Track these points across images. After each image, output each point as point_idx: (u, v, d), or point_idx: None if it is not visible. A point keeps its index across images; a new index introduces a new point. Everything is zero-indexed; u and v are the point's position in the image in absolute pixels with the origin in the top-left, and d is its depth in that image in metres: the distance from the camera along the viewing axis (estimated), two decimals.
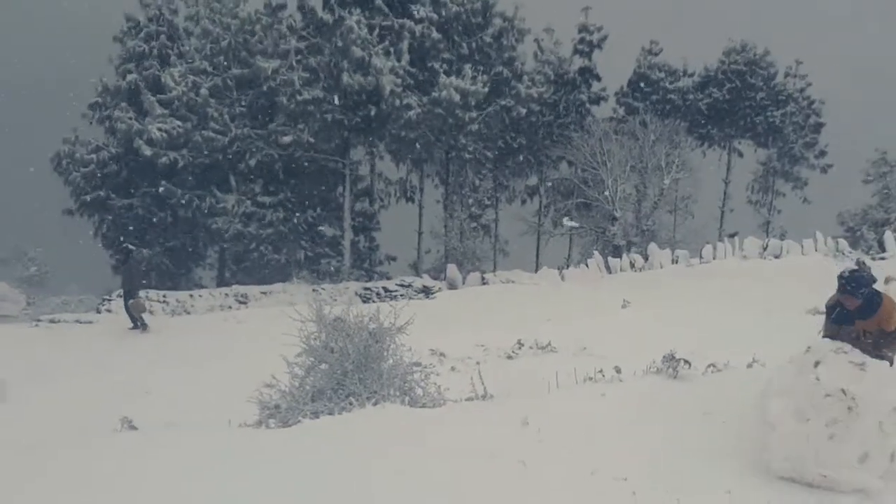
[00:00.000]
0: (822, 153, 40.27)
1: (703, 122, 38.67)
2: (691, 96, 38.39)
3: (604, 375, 8.88)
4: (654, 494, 5.10)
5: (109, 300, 25.94)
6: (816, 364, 5.48)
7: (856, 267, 6.45)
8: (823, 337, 6.35)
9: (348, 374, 7.63)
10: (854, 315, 6.19)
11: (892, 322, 6.10)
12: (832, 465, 4.98)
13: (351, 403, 7.36)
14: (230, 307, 26.24)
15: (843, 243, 30.61)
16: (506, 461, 5.59)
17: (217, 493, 5.04)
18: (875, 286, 6.23)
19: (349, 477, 5.24)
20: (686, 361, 8.73)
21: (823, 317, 6.59)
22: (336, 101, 29.11)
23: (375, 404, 7.27)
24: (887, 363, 5.86)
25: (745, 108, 38.41)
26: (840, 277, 6.16)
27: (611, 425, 6.62)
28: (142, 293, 21.56)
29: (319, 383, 7.79)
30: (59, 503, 4.73)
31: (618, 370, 8.98)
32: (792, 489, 5.09)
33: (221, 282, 32.55)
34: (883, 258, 27.85)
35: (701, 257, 29.18)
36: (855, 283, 6.04)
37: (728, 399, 6.47)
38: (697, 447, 5.94)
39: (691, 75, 39.21)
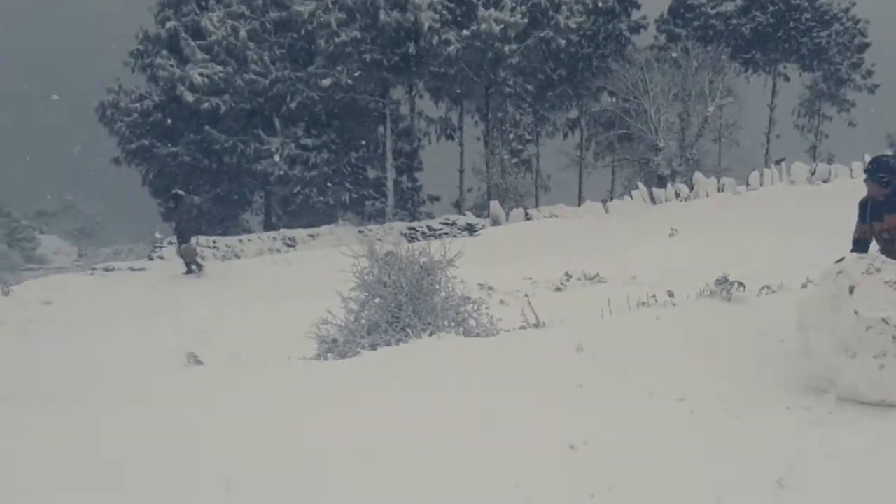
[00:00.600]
0: (869, 73, 39.59)
1: (746, 46, 38.07)
2: (734, 21, 37.76)
3: (657, 300, 8.80)
4: (712, 413, 5.15)
5: (161, 247, 26.67)
6: (851, 290, 5.23)
7: (887, 154, 5.94)
8: (855, 238, 6.18)
9: (402, 307, 7.73)
10: (884, 208, 5.91)
11: None
12: (887, 390, 5.00)
13: (407, 335, 7.43)
14: (279, 250, 26.86)
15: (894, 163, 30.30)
16: (563, 385, 5.62)
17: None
18: None
19: (408, 395, 5.39)
20: (740, 284, 8.43)
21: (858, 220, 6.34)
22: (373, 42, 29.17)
23: (431, 335, 7.31)
24: None
25: (789, 31, 37.77)
26: (869, 164, 5.97)
27: (666, 348, 6.53)
28: (193, 239, 22.15)
29: (374, 317, 7.87)
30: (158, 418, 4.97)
31: (671, 294, 8.97)
32: (849, 405, 5.26)
33: (269, 226, 33.19)
34: None
35: (748, 184, 29.15)
36: (878, 167, 5.82)
37: (784, 319, 6.25)
38: (754, 367, 5.96)
39: None
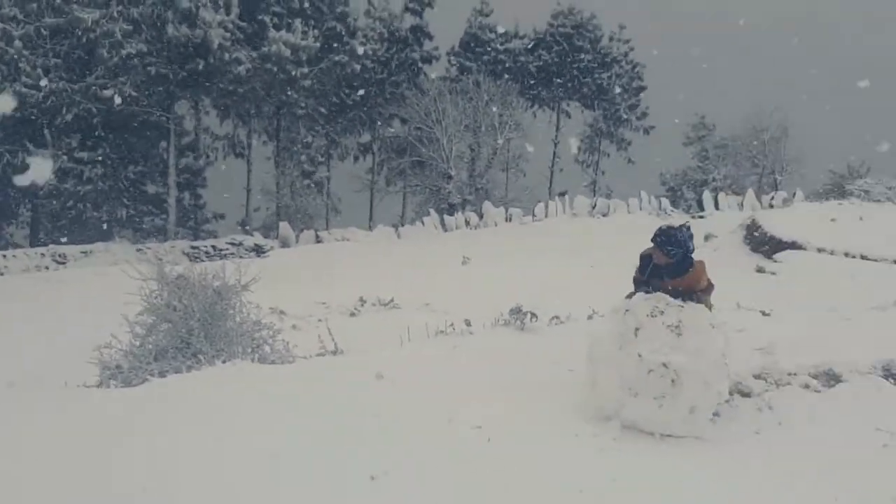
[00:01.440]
0: (644, 115, 43.34)
1: (533, 83, 40.58)
2: (522, 58, 40.33)
3: (454, 328, 9.19)
4: (507, 440, 5.37)
5: None
6: (636, 332, 5.61)
7: (676, 225, 6.20)
8: (636, 280, 6.46)
9: (194, 333, 7.61)
10: (665, 273, 6.20)
11: (703, 282, 6.21)
12: (663, 424, 5.50)
13: (199, 361, 7.31)
14: (47, 267, 25.70)
15: (666, 202, 33.35)
16: (362, 414, 5.69)
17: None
18: (691, 249, 6.20)
19: (202, 437, 5.15)
20: (533, 314, 9.22)
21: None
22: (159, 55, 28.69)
23: (225, 362, 7.13)
24: (704, 308, 5.99)
25: (572, 71, 40.71)
26: (658, 231, 6.15)
27: (464, 376, 6.77)
28: None
29: (162, 342, 7.68)
30: None
31: (468, 323, 9.37)
32: (631, 433, 5.63)
33: (35, 241, 31.50)
34: (702, 216, 30.61)
35: (534, 215, 31.12)
36: (665, 239, 6.04)
37: (573, 349, 6.57)
38: (547, 395, 6.23)
39: (521, 37, 41.19)
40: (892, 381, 6.97)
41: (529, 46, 40.77)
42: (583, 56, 40.51)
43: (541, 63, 40.25)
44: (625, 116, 42.85)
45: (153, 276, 7.88)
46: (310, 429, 5.34)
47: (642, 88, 42.96)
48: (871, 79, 38.04)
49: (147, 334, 7.77)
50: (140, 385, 6.71)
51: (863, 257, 20.16)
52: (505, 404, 6.04)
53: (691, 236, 6.17)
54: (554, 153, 42.52)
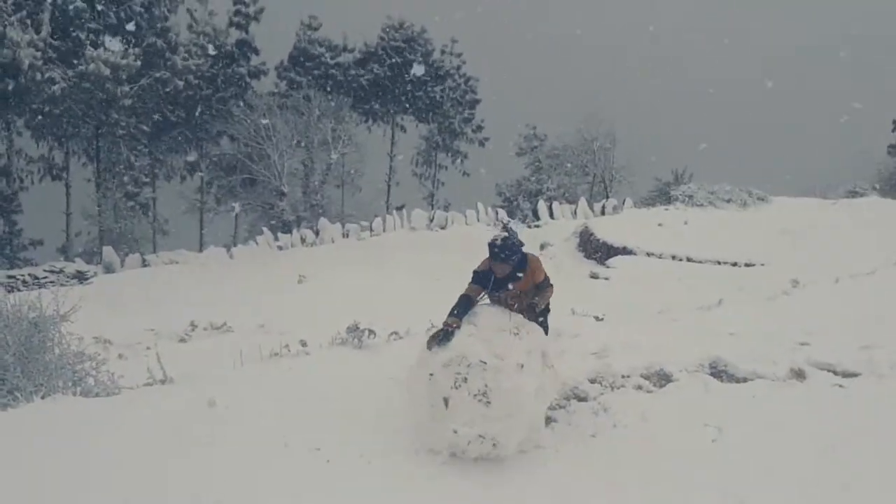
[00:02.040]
0: (479, 128, 44.72)
1: (365, 97, 41.03)
2: (353, 72, 40.68)
3: (289, 350, 9.15)
4: (346, 460, 5.53)
5: None
6: (447, 402, 5.61)
7: (505, 233, 6.22)
8: (463, 294, 6.34)
9: (9, 368, 7.28)
10: (507, 281, 6.28)
11: (540, 275, 6.36)
12: (482, 426, 5.60)
13: (16, 398, 6.98)
14: None
15: (503, 213, 34.49)
16: (195, 443, 5.69)
17: None
18: (522, 245, 6.33)
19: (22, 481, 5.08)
20: (371, 331, 9.13)
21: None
22: None
23: (44, 397, 6.89)
24: (514, 343, 5.90)
25: (405, 85, 41.38)
26: (492, 246, 6.14)
27: (300, 399, 6.80)
28: None
29: None
30: None
31: (303, 343, 9.55)
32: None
33: None
34: (538, 226, 31.80)
35: (371, 230, 31.50)
36: (508, 251, 6.11)
37: (410, 364, 6.48)
38: (385, 413, 6.34)
39: (351, 51, 41.61)
40: (718, 378, 7.46)
41: (360, 59, 41.18)
42: (415, 69, 41.24)
43: (373, 77, 40.76)
44: (459, 129, 43.91)
45: None
46: (136, 461, 5.37)
47: (476, 101, 44.15)
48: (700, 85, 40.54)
49: None
50: None
51: (688, 259, 21.82)
52: (343, 425, 6.18)
53: (516, 232, 6.48)
54: (390, 167, 43.16)
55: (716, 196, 28.10)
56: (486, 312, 6.18)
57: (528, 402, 5.64)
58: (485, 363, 5.62)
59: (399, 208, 37.70)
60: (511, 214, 37.21)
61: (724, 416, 6.55)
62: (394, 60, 40.94)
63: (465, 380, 5.57)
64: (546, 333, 6.60)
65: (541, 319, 6.57)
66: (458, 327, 6.04)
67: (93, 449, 5.61)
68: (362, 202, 40.08)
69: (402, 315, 11.31)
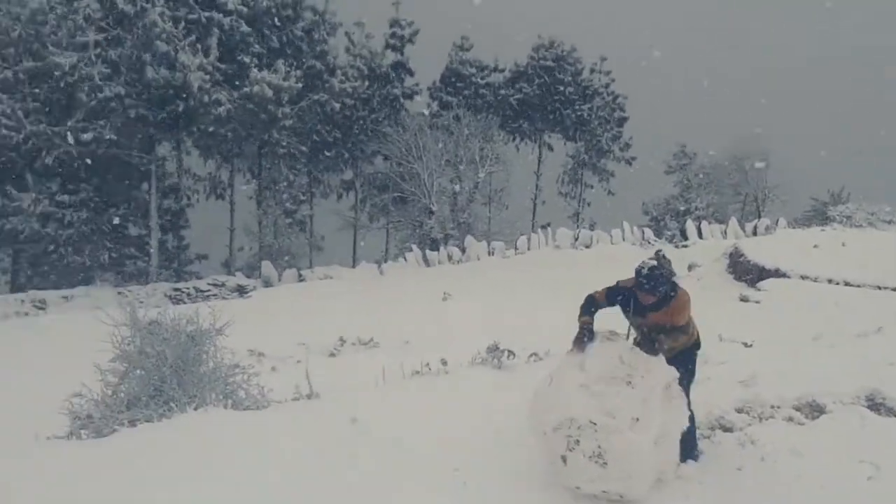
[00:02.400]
0: (627, 146, 43.89)
1: (514, 116, 41.14)
2: (503, 91, 40.89)
3: (430, 368, 9.30)
4: (483, 483, 5.44)
5: None
6: (564, 460, 5.40)
7: (654, 262, 5.85)
8: (591, 297, 6.16)
9: (166, 380, 7.44)
10: (648, 308, 5.98)
11: (683, 317, 5.95)
12: (603, 484, 5.36)
13: (171, 409, 7.13)
14: (27, 314, 25.70)
15: (649, 232, 33.67)
16: (336, 459, 5.72)
17: None
18: (674, 279, 5.99)
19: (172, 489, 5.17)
20: (510, 352, 9.27)
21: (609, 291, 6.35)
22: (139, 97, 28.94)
23: (196, 409, 7.04)
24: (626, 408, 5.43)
25: (554, 103, 41.24)
26: (638, 273, 5.84)
27: (439, 418, 6.76)
28: None
29: (134, 390, 7.51)
30: None
31: (444, 362, 9.47)
32: None
33: (16, 286, 31.52)
34: (685, 246, 30.94)
35: (516, 248, 31.34)
36: (654, 282, 5.78)
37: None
38: (525, 433, 6.01)
39: (502, 71, 41.76)
40: (875, 411, 7.02)
41: (510, 79, 41.27)
42: (564, 88, 40.97)
43: (522, 96, 40.73)
44: (607, 147, 43.28)
45: (126, 322, 7.68)
46: (280, 474, 5.38)
47: (624, 119, 43.46)
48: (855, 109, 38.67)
49: (119, 382, 7.61)
50: (110, 435, 6.61)
51: (846, 283, 20.44)
52: (481, 447, 6.10)
53: (669, 262, 5.99)
54: (536, 185, 42.95)
55: (876, 217, 26.66)
56: (598, 356, 5.77)
57: (647, 458, 5.34)
58: (595, 424, 5.32)
59: (544, 227, 37.44)
60: (658, 234, 36.29)
61: (882, 453, 6.08)
62: (543, 79, 40.79)
63: (577, 442, 5.33)
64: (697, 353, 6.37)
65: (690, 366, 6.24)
66: (592, 324, 5.97)
67: (233, 463, 5.65)
68: (508, 220, 39.94)
69: (545, 335, 11.04)
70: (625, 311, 6.21)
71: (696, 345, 6.38)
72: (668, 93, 61.95)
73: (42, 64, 28.82)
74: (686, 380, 6.12)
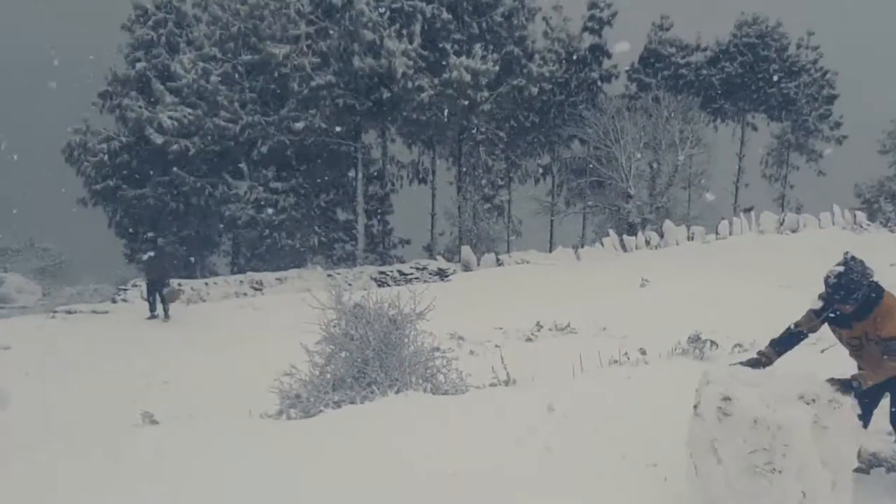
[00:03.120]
0: (837, 124, 40.68)
1: (715, 96, 39.00)
2: (704, 71, 38.80)
3: (629, 358, 8.96)
4: (683, 480, 4.94)
5: (126, 289, 26.45)
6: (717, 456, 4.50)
7: (842, 267, 5.01)
8: (795, 325, 5.45)
9: (369, 362, 7.59)
10: (850, 318, 5.20)
11: (890, 327, 4.97)
12: None
13: (373, 392, 7.29)
14: (245, 294, 26.77)
15: (861, 216, 31.07)
16: (532, 448, 5.54)
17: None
18: (872, 280, 5.09)
19: (377, 466, 5.21)
20: (713, 342, 8.81)
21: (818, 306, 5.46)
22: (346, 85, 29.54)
23: (398, 392, 7.18)
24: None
25: (758, 81, 38.81)
26: (826, 283, 5.13)
27: (638, 410, 6.41)
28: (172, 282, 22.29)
29: (340, 371, 7.72)
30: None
31: (643, 352, 9.13)
32: None
33: (236, 269, 33.10)
34: None
35: (717, 233, 29.74)
36: (844, 291, 5.02)
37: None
38: None
39: (703, 50, 39.57)
40: None
41: (711, 58, 39.15)
42: (769, 66, 38.54)
43: (724, 75, 38.56)
44: (814, 127, 40.43)
45: (331, 305, 7.91)
46: (477, 464, 5.22)
47: (834, 97, 40.36)
48: None
49: (326, 363, 7.83)
50: (317, 416, 6.81)
51: None
52: (681, 442, 5.39)
53: (861, 262, 5.09)
54: (739, 167, 40.65)
55: None
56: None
57: None
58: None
59: (747, 210, 35.39)
60: (871, 217, 33.57)
61: None
62: (746, 57, 38.53)
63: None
64: None
65: None
66: (771, 362, 5.22)
67: (427, 450, 5.51)
68: (709, 204, 38.05)
69: (748, 324, 10.26)
70: (831, 328, 5.44)
71: None
72: (882, 67, 57.21)
73: (259, 57, 29.97)
74: None
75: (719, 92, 38.93)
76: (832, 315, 5.28)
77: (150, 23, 32.59)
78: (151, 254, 21.47)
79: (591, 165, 35.71)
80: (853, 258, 5.11)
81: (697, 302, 15.92)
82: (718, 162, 38.55)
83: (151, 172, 31.63)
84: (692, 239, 29.57)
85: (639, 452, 5.44)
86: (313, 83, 29.12)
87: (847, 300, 5.03)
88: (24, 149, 35.16)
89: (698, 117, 35.95)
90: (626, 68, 39.16)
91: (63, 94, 35.55)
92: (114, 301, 26.05)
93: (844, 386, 4.61)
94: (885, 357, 4.91)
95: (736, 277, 20.28)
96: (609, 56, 37.58)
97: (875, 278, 5.07)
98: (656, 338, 9.73)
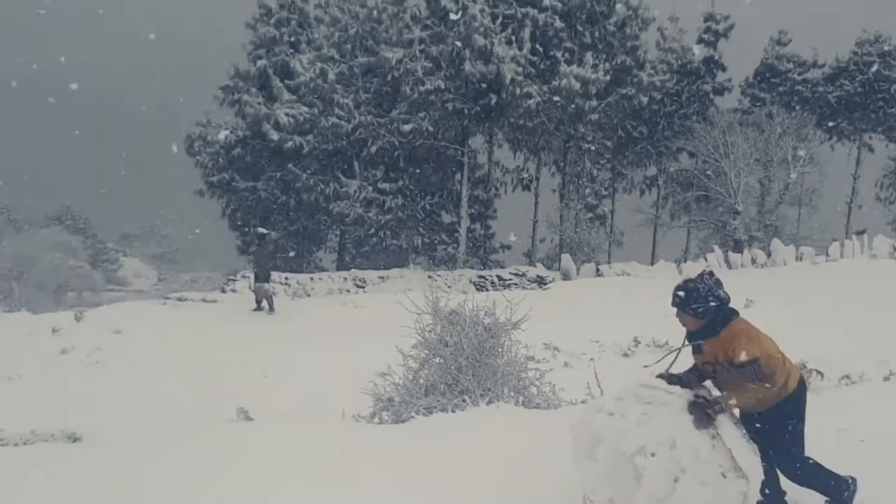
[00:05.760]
0: None
1: (832, 114, 36.84)
2: (821, 88, 36.71)
3: None
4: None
5: (235, 280, 26.76)
6: None
7: (692, 283, 4.77)
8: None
9: (462, 370, 7.41)
10: (700, 338, 4.89)
11: (739, 352, 4.61)
12: None
13: (464, 401, 7.15)
14: (348, 291, 26.72)
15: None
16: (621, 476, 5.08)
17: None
18: (724, 300, 4.81)
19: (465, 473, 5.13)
20: (819, 372, 8.21)
21: None
22: (456, 90, 29.19)
23: (489, 403, 7.03)
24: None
25: (877, 101, 36.44)
26: (674, 290, 4.88)
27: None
28: (273, 276, 22.37)
29: (433, 377, 7.58)
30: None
31: None
32: None
33: (341, 265, 33.20)
34: None
35: (827, 255, 28.04)
36: (683, 298, 4.77)
37: (864, 415, 5.70)
38: (831, 466, 5.20)
39: (821, 66, 37.45)
40: None
41: (829, 75, 37.09)
42: (889, 85, 36.27)
43: (841, 93, 36.48)
44: None
45: (427, 311, 7.78)
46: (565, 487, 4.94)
47: None
48: None
49: (420, 368, 7.70)
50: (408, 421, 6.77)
51: None
52: None
53: (718, 283, 4.75)
54: (853, 188, 38.40)
55: None
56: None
57: None
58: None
59: (860, 233, 33.36)
60: None
61: None
62: (866, 76, 36.39)
63: None
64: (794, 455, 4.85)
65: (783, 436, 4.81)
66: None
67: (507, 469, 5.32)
68: (819, 224, 36.15)
69: (857, 354, 9.64)
70: (693, 356, 5.08)
71: (793, 398, 4.82)
72: None
73: (374, 59, 29.92)
74: (782, 454, 4.83)
75: (836, 110, 36.83)
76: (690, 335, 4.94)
77: (273, 21, 33.00)
78: (258, 247, 21.57)
79: (698, 179, 34.37)
80: (711, 274, 4.84)
81: (805, 326, 14.78)
82: (831, 182, 36.59)
83: (266, 167, 31.98)
84: (801, 259, 27.97)
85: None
86: (423, 87, 28.79)
87: (685, 308, 4.77)
88: (149, 139, 36.08)
89: (813, 135, 34.17)
90: (740, 82, 37.57)
91: (191, 88, 36.29)
92: (223, 291, 26.42)
93: (677, 380, 4.76)
94: (748, 383, 4.54)
95: (846, 302, 18.90)
96: (724, 69, 36.00)
97: (732, 305, 4.77)
98: None
